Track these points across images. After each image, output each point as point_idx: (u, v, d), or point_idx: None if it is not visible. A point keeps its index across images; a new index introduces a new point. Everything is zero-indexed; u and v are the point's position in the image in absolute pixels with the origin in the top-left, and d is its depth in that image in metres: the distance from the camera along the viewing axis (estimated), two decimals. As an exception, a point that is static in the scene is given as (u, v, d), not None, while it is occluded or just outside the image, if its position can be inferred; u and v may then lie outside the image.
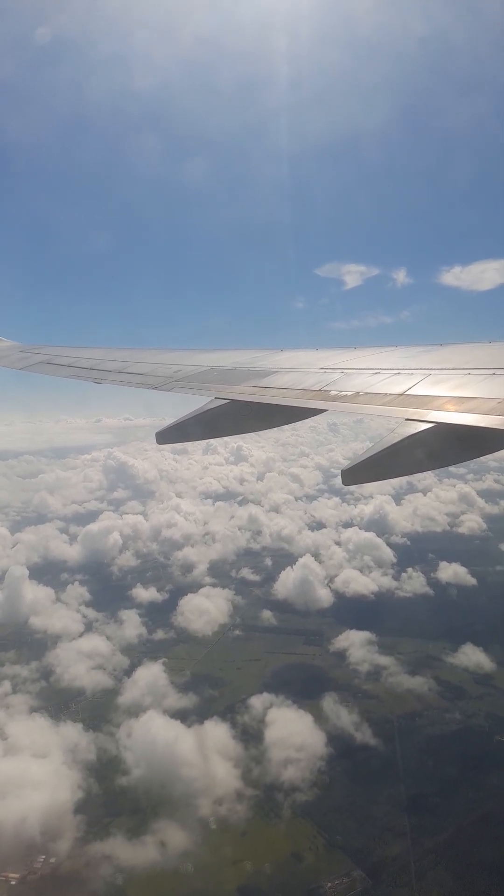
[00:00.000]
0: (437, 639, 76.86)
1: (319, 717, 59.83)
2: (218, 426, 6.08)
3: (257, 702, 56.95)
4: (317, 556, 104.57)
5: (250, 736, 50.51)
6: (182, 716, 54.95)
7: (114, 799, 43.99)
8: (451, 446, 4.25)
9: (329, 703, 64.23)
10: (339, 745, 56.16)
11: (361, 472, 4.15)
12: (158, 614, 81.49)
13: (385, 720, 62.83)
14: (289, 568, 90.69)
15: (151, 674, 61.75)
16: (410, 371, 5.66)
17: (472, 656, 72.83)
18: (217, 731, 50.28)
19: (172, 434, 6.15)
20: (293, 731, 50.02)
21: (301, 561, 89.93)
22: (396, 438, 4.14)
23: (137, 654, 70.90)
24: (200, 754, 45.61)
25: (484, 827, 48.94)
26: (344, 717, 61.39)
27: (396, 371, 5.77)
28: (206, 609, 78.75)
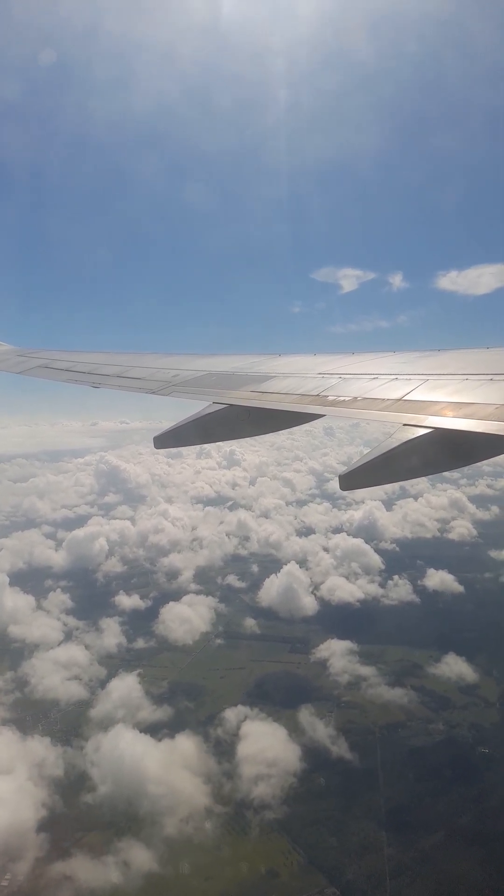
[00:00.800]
0: (422, 648, 75.95)
1: (299, 729, 58.95)
2: (216, 431, 6.09)
3: (232, 714, 55.49)
4: (304, 562, 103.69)
5: (223, 750, 49.12)
6: (155, 729, 53.59)
7: (79, 817, 42.57)
8: (448, 452, 4.26)
9: (311, 713, 63.35)
10: (318, 757, 55.20)
11: (359, 477, 4.16)
12: (140, 622, 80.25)
13: (367, 731, 61.95)
14: (273, 575, 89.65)
15: (126, 685, 60.35)
16: (408, 376, 5.66)
17: (456, 666, 71.99)
18: (188, 745, 48.85)
19: (170, 439, 6.11)
20: (268, 745, 48.68)
21: (285, 568, 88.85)
22: (394, 444, 4.16)
23: (116, 664, 69.54)
24: (169, 770, 44.18)
25: (462, 842, 48.00)
26: (326, 728, 60.59)
27: (394, 376, 5.77)
28: (188, 617, 77.51)
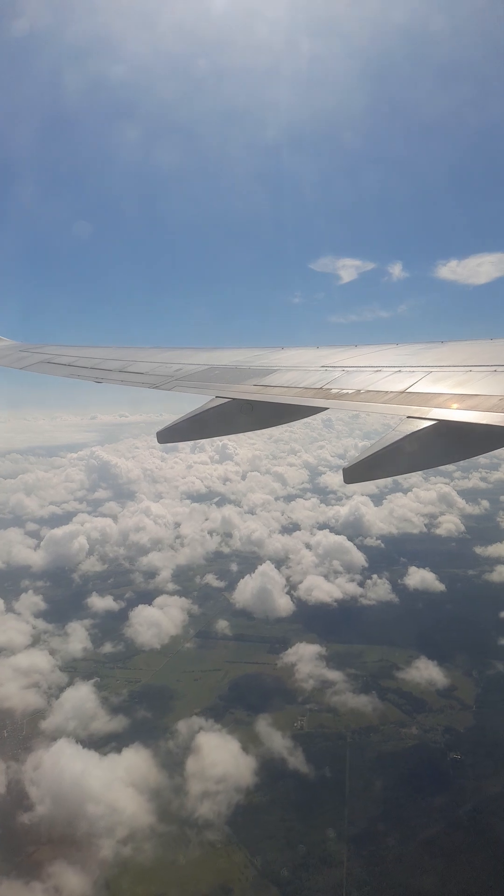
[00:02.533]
0: (399, 649, 74.38)
1: (264, 735, 57.50)
2: (219, 425, 6.05)
3: (186, 725, 53.39)
4: (286, 560, 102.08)
5: (175, 763, 47.29)
6: (106, 741, 51.54)
7: (12, 840, 40.51)
8: (452, 444, 4.26)
9: (282, 718, 62.17)
10: (284, 764, 53.82)
11: (363, 470, 4.14)
12: (111, 625, 78.47)
13: (338, 736, 60.63)
14: (248, 576, 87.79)
15: (80, 695, 58.31)
16: (411, 369, 5.67)
17: (434, 667, 70.52)
18: (137, 760, 46.92)
19: (173, 433, 6.08)
20: (223, 756, 46.73)
21: (260, 569, 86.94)
22: (398, 436, 4.13)
23: (79, 669, 67.69)
24: (113, 787, 42.31)
25: (425, 855, 46.62)
26: (295, 733, 59.37)
27: (397, 369, 5.78)
28: (157, 620, 75.44)
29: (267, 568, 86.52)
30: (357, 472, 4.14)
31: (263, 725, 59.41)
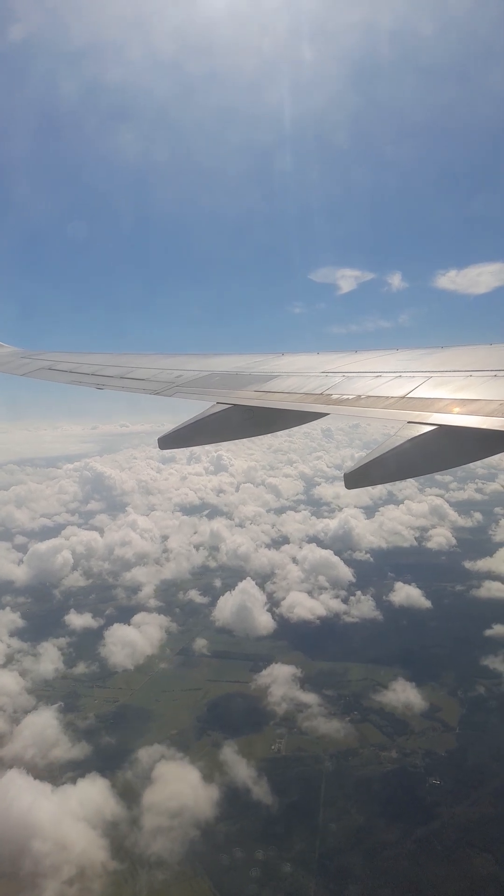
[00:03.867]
0: (383, 667, 72.60)
1: (241, 758, 55.94)
2: (220, 431, 6.06)
3: (146, 754, 51.41)
4: (271, 575, 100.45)
5: (133, 794, 45.30)
6: (64, 770, 49.42)
7: None
8: (453, 449, 4.27)
9: (259, 739, 60.83)
10: (254, 793, 52.23)
11: (364, 475, 4.15)
12: (88, 644, 76.62)
13: (315, 759, 59.05)
14: (228, 593, 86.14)
15: (43, 720, 56.17)
16: (412, 374, 5.70)
17: (417, 687, 68.90)
18: (92, 791, 44.85)
19: (174, 439, 6.09)
20: (179, 788, 44.86)
21: (240, 585, 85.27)
22: (398, 441, 4.16)
23: (51, 691, 65.65)
24: (63, 822, 40.32)
25: (396, 891, 44.96)
26: (272, 755, 57.98)
27: (398, 374, 5.82)
28: (133, 640, 73.48)
29: (247, 585, 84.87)
30: (357, 478, 4.16)
31: (240, 749, 57.67)
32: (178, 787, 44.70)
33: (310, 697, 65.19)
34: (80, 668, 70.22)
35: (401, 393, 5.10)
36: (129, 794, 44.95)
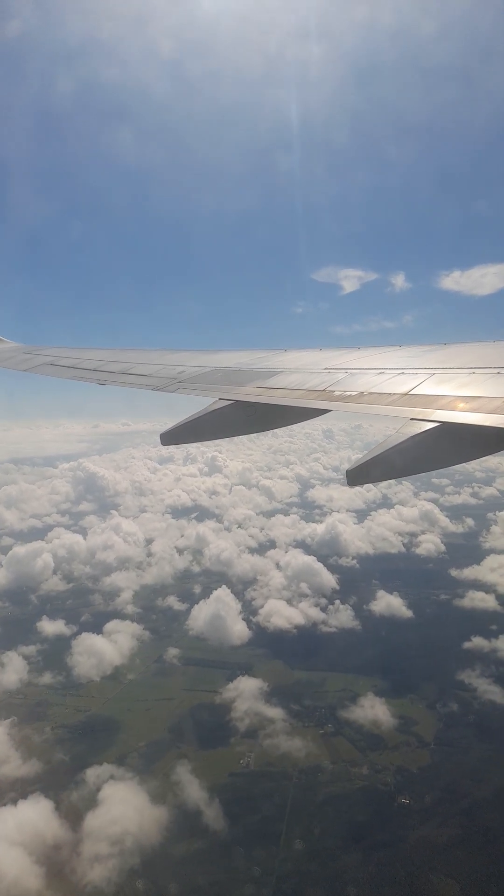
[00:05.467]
0: (361, 679, 71.16)
1: (206, 773, 54.29)
2: (222, 427, 6.09)
3: (95, 773, 49.44)
4: (253, 581, 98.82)
5: (77, 817, 43.52)
6: (5, 790, 46.81)
7: None
8: (455, 446, 4.28)
9: (228, 753, 59.48)
10: (220, 809, 50.80)
11: (366, 472, 4.16)
12: (58, 652, 74.75)
13: (284, 775, 57.54)
14: (203, 601, 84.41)
15: None
16: (415, 370, 5.67)
17: (395, 699, 67.41)
18: (33, 814, 42.79)
19: (176, 435, 6.11)
20: (126, 809, 42.98)
21: (215, 594, 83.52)
22: (401, 438, 4.17)
23: (8, 703, 63.59)
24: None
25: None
26: (240, 770, 56.61)
27: (401, 371, 5.80)
28: (102, 649, 71.90)
29: (222, 593, 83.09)
30: (359, 475, 4.16)
31: (208, 763, 56.40)
32: (125, 808, 42.92)
33: (284, 710, 63.75)
34: (47, 679, 68.54)
35: (404, 390, 5.09)
36: (73, 816, 43.20)
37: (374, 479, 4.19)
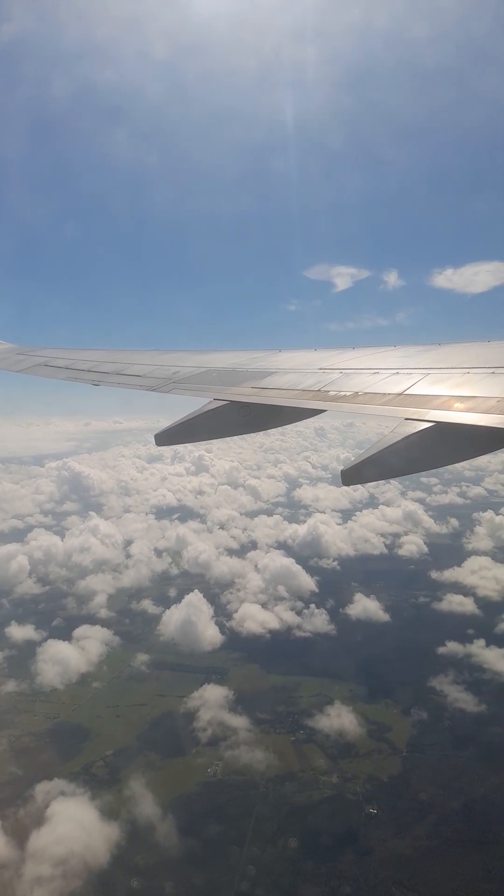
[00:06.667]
0: (336, 684, 70.22)
1: (170, 784, 53.11)
2: (216, 428, 6.10)
3: (45, 789, 47.68)
4: (231, 584, 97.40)
5: (23, 836, 41.88)
6: None
7: None
8: (450, 445, 4.29)
9: (195, 760, 58.29)
10: (182, 820, 49.70)
11: (360, 472, 4.17)
12: (25, 658, 73.01)
13: (251, 784, 56.32)
14: (174, 606, 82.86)
15: None
16: (409, 370, 5.68)
17: (369, 705, 66.44)
18: None
19: (171, 436, 6.11)
20: (69, 830, 41.38)
21: (187, 598, 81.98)
22: (396, 438, 4.17)
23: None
24: None
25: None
26: (207, 779, 55.51)
27: (395, 371, 5.82)
28: (66, 657, 70.05)
29: (194, 598, 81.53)
30: (354, 475, 4.14)
31: (174, 772, 55.44)
32: (72, 826, 41.41)
33: (255, 716, 62.64)
34: (10, 686, 66.88)
35: (398, 390, 5.10)
36: (20, 835, 41.65)
37: (369, 479, 4.20)
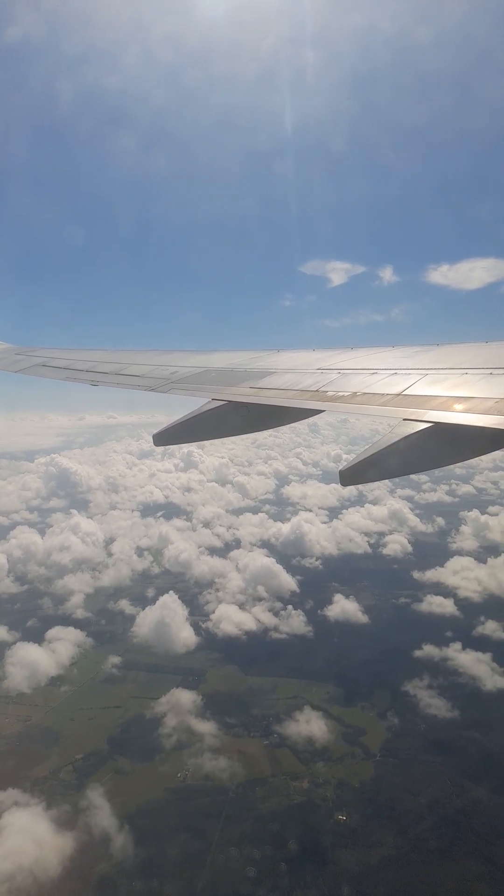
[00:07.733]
0: (313, 686, 69.57)
1: (136, 790, 52.31)
2: (215, 428, 6.05)
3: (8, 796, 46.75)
4: (211, 584, 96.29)
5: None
6: None
7: None
8: (448, 446, 4.29)
9: (165, 765, 56.61)
10: (145, 828, 48.80)
11: (359, 472, 4.15)
12: (-4, 661, 71.80)
13: (220, 790, 55.37)
14: (148, 607, 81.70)
15: None
16: (408, 371, 5.70)
17: (345, 708, 65.76)
18: None
19: (169, 436, 6.06)
20: (26, 837, 40.56)
21: (161, 600, 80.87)
22: (394, 438, 4.16)
23: None
24: None
25: None
26: (176, 784, 54.66)
27: (394, 371, 5.83)
28: (35, 660, 68.66)
29: (169, 599, 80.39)
30: (353, 475, 4.12)
31: (142, 777, 54.56)
32: (25, 836, 40.39)
33: (228, 720, 61.86)
34: (-22, 688, 65.71)
35: (396, 390, 5.09)
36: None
37: (368, 480, 4.17)
